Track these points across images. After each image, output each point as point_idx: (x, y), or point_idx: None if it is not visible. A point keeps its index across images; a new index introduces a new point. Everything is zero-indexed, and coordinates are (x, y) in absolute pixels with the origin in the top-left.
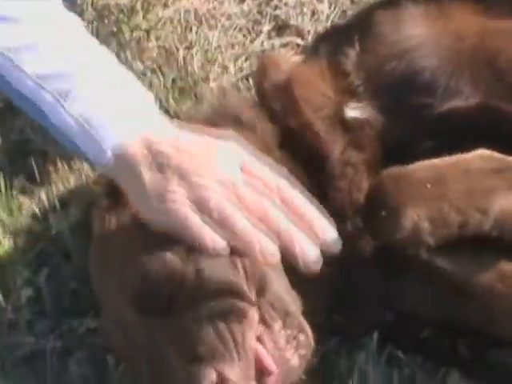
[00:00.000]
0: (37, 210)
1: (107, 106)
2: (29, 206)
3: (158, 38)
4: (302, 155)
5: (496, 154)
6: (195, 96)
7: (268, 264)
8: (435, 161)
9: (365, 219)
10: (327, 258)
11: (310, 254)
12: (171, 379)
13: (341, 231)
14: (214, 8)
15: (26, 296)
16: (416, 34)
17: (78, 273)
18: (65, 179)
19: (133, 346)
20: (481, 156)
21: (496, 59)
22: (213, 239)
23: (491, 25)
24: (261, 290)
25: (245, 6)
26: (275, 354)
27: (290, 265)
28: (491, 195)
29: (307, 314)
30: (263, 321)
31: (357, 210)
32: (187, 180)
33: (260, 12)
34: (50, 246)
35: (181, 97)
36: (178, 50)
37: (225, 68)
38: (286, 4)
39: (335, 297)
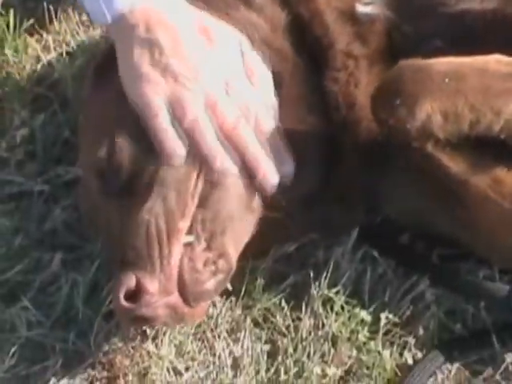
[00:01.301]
0: (42, 55)
1: None
2: (35, 48)
3: None
4: (306, 44)
5: None
6: None
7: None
8: (453, 58)
9: (375, 105)
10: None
11: (271, 179)
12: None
13: (329, 123)
14: None
15: (21, 136)
16: None
17: (74, 122)
18: (74, 30)
19: (94, 215)
20: (498, 60)
21: None
22: (173, 147)
23: None
24: (204, 200)
25: None
26: (191, 275)
27: None
28: (506, 97)
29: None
30: (189, 232)
31: (351, 103)
32: (173, 76)
33: None
34: (50, 91)
35: None
36: None
37: None
38: None
39: (316, 192)
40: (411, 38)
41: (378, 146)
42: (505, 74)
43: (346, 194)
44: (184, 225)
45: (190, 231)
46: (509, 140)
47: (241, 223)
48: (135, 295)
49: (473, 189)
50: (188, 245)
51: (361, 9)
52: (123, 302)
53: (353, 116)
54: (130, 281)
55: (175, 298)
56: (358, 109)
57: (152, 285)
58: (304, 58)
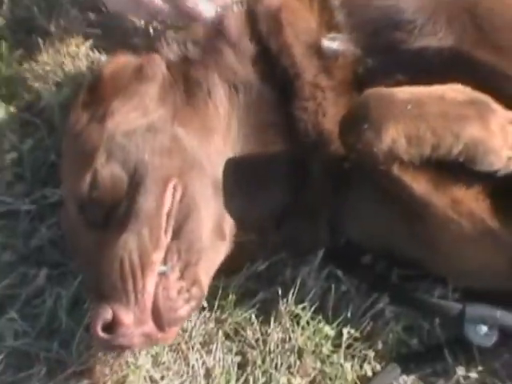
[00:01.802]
0: (31, 83)
1: None
2: (24, 77)
3: None
4: (274, 77)
5: (467, 88)
6: None
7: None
8: (414, 87)
9: (343, 130)
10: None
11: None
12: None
13: (297, 147)
14: None
15: (10, 159)
16: None
17: (60, 147)
18: (61, 61)
19: (74, 242)
20: (454, 88)
21: (476, 7)
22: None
23: None
24: (178, 231)
25: None
26: (165, 304)
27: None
28: (464, 122)
29: (257, 225)
30: (164, 262)
31: (319, 130)
32: None
33: None
34: (37, 117)
35: None
36: None
37: None
38: None
39: (284, 213)
40: (375, 72)
41: (345, 170)
42: (461, 101)
43: (317, 211)
44: (158, 257)
45: (165, 261)
46: (467, 163)
47: (213, 251)
48: (112, 326)
49: (434, 209)
50: (162, 274)
51: (326, 44)
52: (101, 334)
53: (321, 141)
54: (107, 314)
55: (149, 326)
56: (326, 135)
57: (127, 317)
58: (273, 88)
